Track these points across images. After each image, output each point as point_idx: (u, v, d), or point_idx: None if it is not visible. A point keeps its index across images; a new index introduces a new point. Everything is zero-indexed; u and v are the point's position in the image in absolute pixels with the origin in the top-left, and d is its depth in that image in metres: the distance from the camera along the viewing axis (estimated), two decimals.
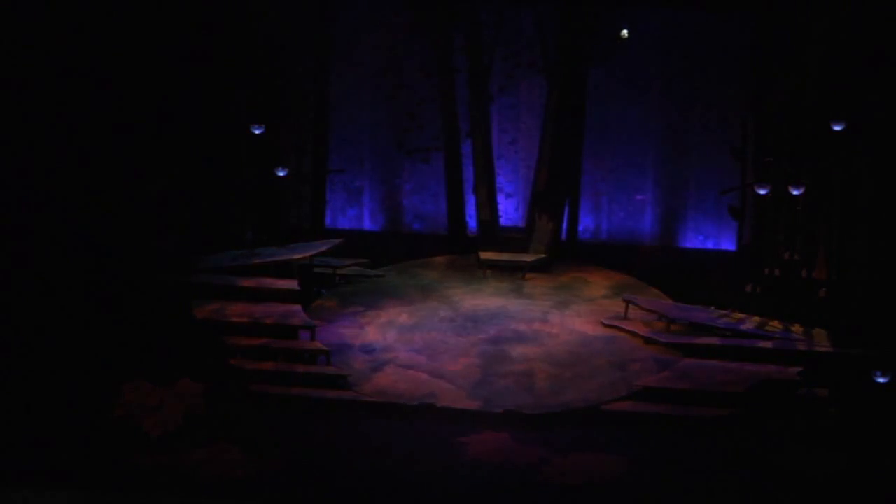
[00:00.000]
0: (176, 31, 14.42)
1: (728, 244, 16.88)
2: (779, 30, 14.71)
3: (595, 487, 10.36)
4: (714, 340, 13.10)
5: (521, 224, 17.18)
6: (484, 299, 14.80)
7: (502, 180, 17.29)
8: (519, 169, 17.41)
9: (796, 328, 13.29)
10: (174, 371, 11.54)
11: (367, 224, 17.65)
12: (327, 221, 17.37)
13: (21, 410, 11.31)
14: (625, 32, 16.36)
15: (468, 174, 16.93)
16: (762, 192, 14.16)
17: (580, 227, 17.21)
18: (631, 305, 14.20)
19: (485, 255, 16.08)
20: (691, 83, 16.82)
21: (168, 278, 13.62)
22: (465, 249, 16.65)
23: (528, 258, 16.02)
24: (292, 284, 14.10)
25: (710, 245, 17.10)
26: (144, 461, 10.54)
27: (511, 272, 15.83)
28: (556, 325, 14.00)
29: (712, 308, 13.99)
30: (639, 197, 17.27)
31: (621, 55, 16.57)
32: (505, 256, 16.07)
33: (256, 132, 15.03)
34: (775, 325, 13.36)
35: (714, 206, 16.82)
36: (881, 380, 11.65)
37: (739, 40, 16.10)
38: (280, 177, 15.27)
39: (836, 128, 13.60)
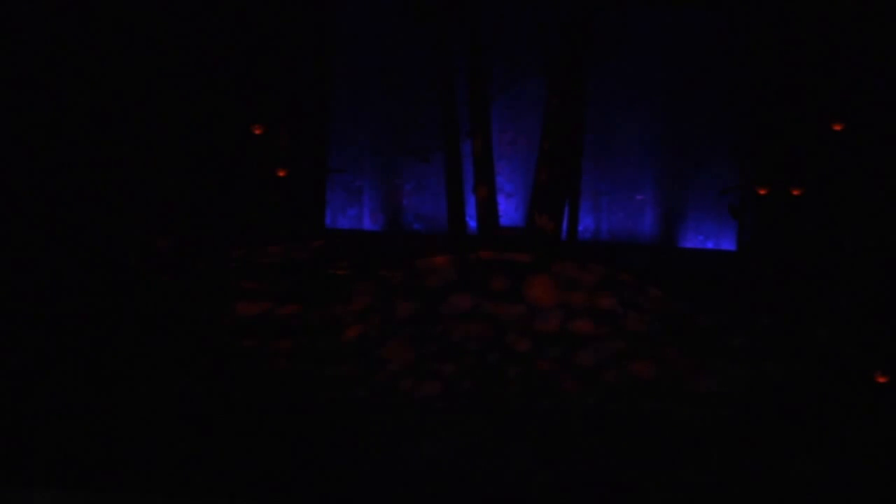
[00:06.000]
0: (176, 29, 14.44)
1: (728, 244, 16.88)
2: (779, 29, 14.74)
3: (595, 487, 10.37)
4: (713, 340, 13.10)
5: (521, 224, 17.19)
6: (484, 299, 14.80)
7: (502, 180, 17.30)
8: (519, 169, 17.42)
9: (794, 328, 13.30)
10: (174, 372, 11.55)
11: (367, 224, 17.66)
12: (327, 221, 17.38)
13: (19, 411, 11.31)
14: None
15: (468, 174, 16.94)
16: (762, 191, 14.17)
17: (580, 227, 17.21)
18: (630, 305, 14.20)
19: (485, 256, 16.06)
20: (692, 82, 16.82)
21: (168, 278, 13.63)
22: (466, 249, 16.64)
23: (528, 258, 16.02)
24: (293, 284, 14.10)
25: (710, 245, 17.11)
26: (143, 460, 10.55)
27: (511, 272, 15.81)
28: (557, 324, 14.00)
29: (712, 308, 13.99)
30: (639, 197, 17.28)
31: (622, 54, 16.58)
32: (505, 256, 16.05)
33: (256, 132, 15.04)
34: (773, 325, 13.36)
35: (714, 206, 16.82)
36: (881, 380, 11.66)
37: (741, 39, 16.12)
38: (280, 177, 15.28)
39: (836, 128, 13.63)
